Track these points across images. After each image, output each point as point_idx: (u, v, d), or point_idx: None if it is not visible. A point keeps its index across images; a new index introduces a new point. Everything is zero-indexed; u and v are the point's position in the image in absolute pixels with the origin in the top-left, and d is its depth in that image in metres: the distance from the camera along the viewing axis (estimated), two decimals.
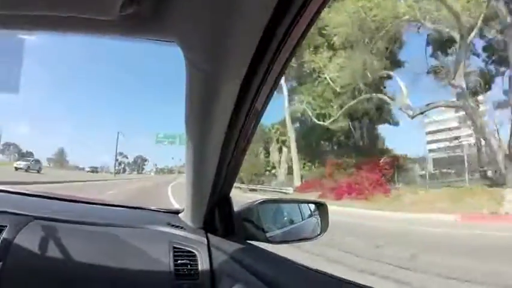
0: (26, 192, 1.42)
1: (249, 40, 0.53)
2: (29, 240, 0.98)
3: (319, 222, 1.27)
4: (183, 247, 1.05)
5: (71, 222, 1.09)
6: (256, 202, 1.11)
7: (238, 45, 0.55)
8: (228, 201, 1.08)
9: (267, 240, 1.12)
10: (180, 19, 0.53)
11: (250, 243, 1.09)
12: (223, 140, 0.78)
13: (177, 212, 1.30)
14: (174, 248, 1.04)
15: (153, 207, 1.38)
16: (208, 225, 1.12)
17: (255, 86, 0.63)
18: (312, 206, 1.32)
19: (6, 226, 0.99)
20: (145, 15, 0.51)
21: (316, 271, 0.85)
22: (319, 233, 1.26)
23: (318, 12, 0.51)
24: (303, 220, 1.30)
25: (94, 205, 1.39)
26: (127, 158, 49.96)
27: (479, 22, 13.13)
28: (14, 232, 0.98)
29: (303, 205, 1.35)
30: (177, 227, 1.14)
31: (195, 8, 0.50)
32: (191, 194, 1.05)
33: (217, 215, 1.09)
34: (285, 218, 1.27)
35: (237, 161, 0.91)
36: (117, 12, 0.47)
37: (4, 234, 0.97)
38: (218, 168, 0.89)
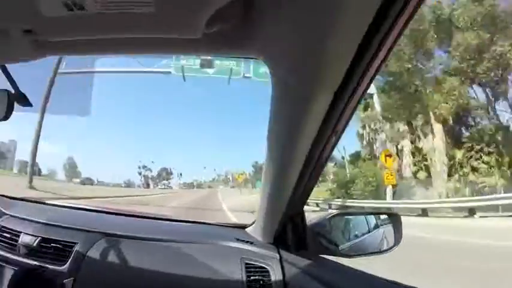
0: (94, 208, 1.53)
1: (344, 52, 0.51)
2: (99, 257, 1.05)
3: (392, 234, 1.22)
4: (255, 263, 1.04)
5: (140, 239, 1.14)
6: (329, 215, 1.10)
7: (329, 60, 0.53)
8: (302, 216, 1.07)
9: (341, 254, 1.10)
10: (266, 35, 0.53)
11: (323, 258, 1.06)
12: (306, 156, 0.76)
13: (243, 227, 1.30)
14: (246, 263, 1.04)
15: (218, 222, 1.41)
16: (280, 240, 1.11)
17: (344, 101, 0.61)
18: (383, 217, 1.27)
19: (77, 243, 1.08)
20: (229, 32, 0.52)
21: (395, 283, 0.81)
22: (392, 245, 1.21)
23: (407, 23, 0.47)
24: (372, 232, 1.25)
25: (159, 220, 1.45)
26: (151, 170, 45.40)
27: None
28: (85, 249, 1.06)
29: (371, 216, 1.30)
30: (246, 242, 1.14)
31: (282, 23, 0.50)
32: (264, 208, 1.05)
33: (290, 230, 1.07)
34: (356, 230, 1.23)
35: (316, 176, 0.90)
36: (202, 30, 0.48)
37: (76, 250, 1.06)
38: (297, 184, 0.87)
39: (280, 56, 0.56)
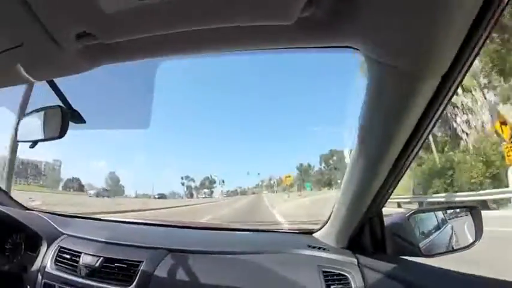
0: (154, 222, 1.48)
1: (455, 33, 0.47)
2: (167, 275, 0.99)
3: (472, 228, 1.12)
4: (333, 270, 0.98)
5: (208, 253, 1.08)
6: (407, 214, 1.02)
7: (439, 43, 0.48)
8: (380, 218, 1.00)
9: (421, 254, 1.02)
10: (365, 21, 0.48)
11: (403, 259, 0.99)
12: (400, 152, 0.71)
13: (310, 232, 1.24)
14: (324, 271, 0.97)
15: (283, 229, 1.34)
16: (355, 244, 1.04)
17: (449, 84, 0.56)
18: (461, 211, 1.17)
19: (143, 261, 1.02)
20: (324, 19, 0.47)
21: (485, 277, 0.74)
22: (473, 240, 1.11)
23: None
24: (451, 227, 1.16)
25: (221, 231, 1.40)
26: (193, 181, 44.48)
27: None
28: (152, 267, 1.00)
29: (450, 211, 1.20)
30: (319, 248, 1.07)
31: (384, 8, 0.45)
32: (341, 211, 0.99)
33: (368, 233, 1.01)
34: (435, 227, 1.14)
35: (401, 175, 0.82)
36: (297, 15, 0.43)
37: (142, 270, 1.00)
38: (382, 185, 0.82)
39: (384, 43, 0.51)
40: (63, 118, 0.72)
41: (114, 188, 32.83)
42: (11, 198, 1.52)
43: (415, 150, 0.73)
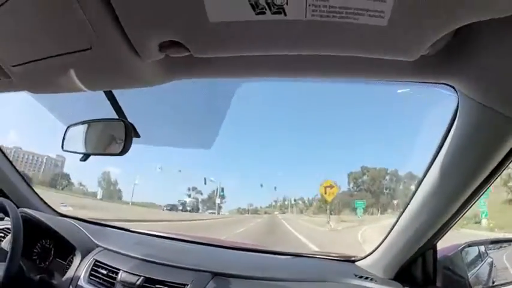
0: (195, 240, 1.44)
1: None
2: None
3: None
4: None
5: (251, 278, 1.04)
6: (461, 247, 0.99)
7: None
8: (435, 251, 0.96)
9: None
10: (473, 59, 0.46)
11: None
12: (472, 192, 0.69)
13: (352, 260, 1.19)
14: None
15: (325, 255, 1.28)
16: (403, 276, 1.00)
17: None
18: None
19: (188, 285, 0.98)
20: (432, 53, 0.44)
21: None
22: None
23: None
24: (502, 260, 1.10)
25: (263, 254, 1.35)
26: (201, 194, 39.06)
27: None
28: None
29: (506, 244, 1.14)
30: (366, 278, 1.03)
31: (496, 47, 0.43)
32: (397, 242, 0.95)
33: (420, 265, 0.97)
34: (484, 260, 1.09)
35: (467, 211, 0.79)
36: (421, 52, 0.40)
37: None
38: (448, 220, 0.79)
39: (488, 85, 0.50)
40: (127, 133, 0.68)
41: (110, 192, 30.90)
42: (44, 202, 1.51)
43: (487, 187, 0.70)
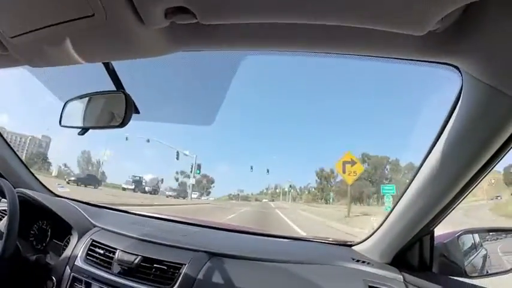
0: (192, 222, 1.44)
1: None
2: (209, 279, 0.95)
3: None
4: (379, 286, 0.93)
5: (249, 259, 1.04)
6: (458, 234, 0.99)
7: None
8: (432, 237, 0.96)
9: (466, 275, 0.98)
10: (482, 40, 0.45)
11: (450, 279, 0.96)
12: (471, 177, 0.69)
13: (349, 245, 1.20)
14: (370, 287, 0.93)
15: (321, 239, 1.29)
16: (400, 260, 1.01)
17: None
18: None
19: (185, 264, 0.97)
20: (438, 32, 0.43)
21: None
22: None
23: None
24: (497, 248, 1.11)
25: (260, 237, 1.35)
26: (189, 177, 36.20)
27: None
28: (194, 271, 0.96)
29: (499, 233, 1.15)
30: (363, 262, 1.03)
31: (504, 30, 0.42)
32: (394, 228, 0.95)
33: (417, 251, 0.97)
34: (485, 248, 1.09)
35: (466, 197, 0.78)
36: (429, 28, 0.39)
37: (184, 273, 0.96)
38: (446, 205, 0.79)
39: (496, 65, 0.49)
40: (127, 105, 0.66)
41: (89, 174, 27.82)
42: (41, 183, 1.50)
43: (488, 171, 0.69)
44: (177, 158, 27.02)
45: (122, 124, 0.66)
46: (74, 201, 1.40)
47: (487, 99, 0.55)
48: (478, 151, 0.63)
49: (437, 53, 0.51)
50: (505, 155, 0.64)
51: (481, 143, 0.61)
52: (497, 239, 1.16)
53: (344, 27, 0.42)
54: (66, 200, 1.42)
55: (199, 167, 26.37)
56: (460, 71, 0.56)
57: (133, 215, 1.50)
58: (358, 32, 0.44)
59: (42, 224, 1.32)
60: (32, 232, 1.31)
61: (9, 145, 1.45)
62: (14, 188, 1.06)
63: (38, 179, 1.51)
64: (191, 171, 26.23)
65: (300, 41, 0.50)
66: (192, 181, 27.47)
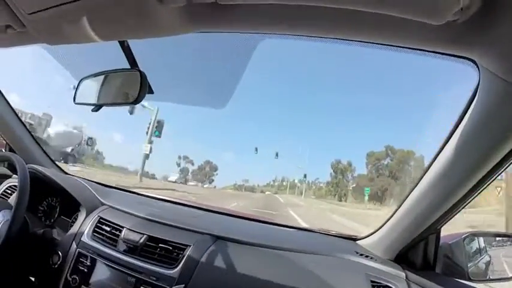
0: (200, 206, 1.46)
1: None
2: (214, 263, 0.95)
3: None
4: (381, 281, 0.93)
5: (254, 245, 1.05)
6: (463, 235, 0.98)
7: None
8: (438, 236, 0.95)
9: (468, 278, 0.97)
10: (502, 32, 0.43)
11: (452, 280, 0.95)
12: (483, 175, 0.67)
13: (353, 239, 1.20)
14: (372, 281, 0.93)
15: (326, 231, 1.29)
16: (403, 258, 1.00)
17: None
18: None
19: (190, 246, 0.98)
20: (457, 23, 0.42)
21: None
22: None
23: None
24: (500, 254, 1.09)
25: (266, 224, 1.36)
26: (192, 164, 36.10)
27: None
28: (198, 253, 0.97)
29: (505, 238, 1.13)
30: (366, 256, 1.03)
31: None
32: (401, 224, 0.95)
33: (421, 249, 0.97)
34: (485, 252, 1.08)
35: (475, 196, 0.77)
36: (448, 17, 0.38)
37: (188, 254, 0.97)
38: (455, 204, 0.78)
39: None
40: (142, 83, 0.67)
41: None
42: (53, 161, 1.54)
43: (502, 170, 0.68)
44: (131, 113, 16.16)
45: (136, 101, 0.68)
46: (84, 180, 1.43)
47: (504, 95, 0.53)
48: (491, 149, 0.62)
49: (455, 45, 0.49)
50: None
51: (495, 140, 0.60)
52: (503, 245, 1.14)
53: (366, 13, 0.41)
54: (76, 177, 1.45)
55: (160, 125, 16.05)
56: (477, 66, 0.55)
57: (142, 196, 1.52)
58: (374, 19, 0.43)
59: (51, 200, 1.36)
60: (41, 208, 1.35)
61: (22, 122, 1.48)
62: (26, 164, 1.09)
63: (49, 157, 1.54)
64: (147, 133, 15.77)
65: (316, 24, 0.49)
66: (145, 149, 15.82)
